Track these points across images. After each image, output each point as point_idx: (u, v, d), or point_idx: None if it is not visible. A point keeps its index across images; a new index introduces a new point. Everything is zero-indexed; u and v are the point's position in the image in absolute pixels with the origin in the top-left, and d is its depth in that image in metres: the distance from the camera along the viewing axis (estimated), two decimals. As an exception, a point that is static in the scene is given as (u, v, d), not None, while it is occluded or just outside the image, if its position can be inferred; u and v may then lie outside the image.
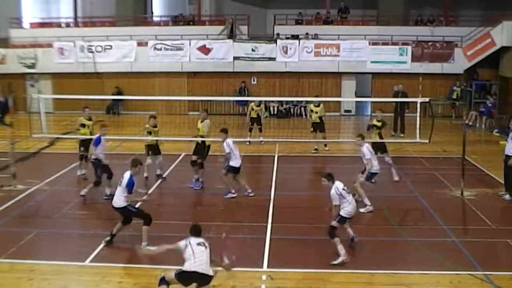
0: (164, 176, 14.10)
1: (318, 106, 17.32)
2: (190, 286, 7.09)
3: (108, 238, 9.50)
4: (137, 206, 9.73)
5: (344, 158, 16.79)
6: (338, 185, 9.01)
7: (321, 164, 15.29)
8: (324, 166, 15.22)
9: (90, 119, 13.84)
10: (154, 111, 24.56)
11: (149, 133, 13.83)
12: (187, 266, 6.97)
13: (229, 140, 12.26)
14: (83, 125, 13.68)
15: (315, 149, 17.24)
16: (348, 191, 9.14)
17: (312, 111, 17.54)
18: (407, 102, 19.48)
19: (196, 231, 7.36)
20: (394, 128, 19.90)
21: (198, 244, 7.15)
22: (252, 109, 18.02)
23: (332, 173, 9.21)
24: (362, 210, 11.09)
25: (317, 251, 9.30)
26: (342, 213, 8.96)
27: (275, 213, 11.28)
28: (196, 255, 6.99)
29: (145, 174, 13.51)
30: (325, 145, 17.49)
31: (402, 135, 19.54)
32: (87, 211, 11.36)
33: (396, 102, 19.69)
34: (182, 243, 7.18)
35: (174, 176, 14.50)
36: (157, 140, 14.01)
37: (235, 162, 12.24)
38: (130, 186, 9.14)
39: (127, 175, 9.26)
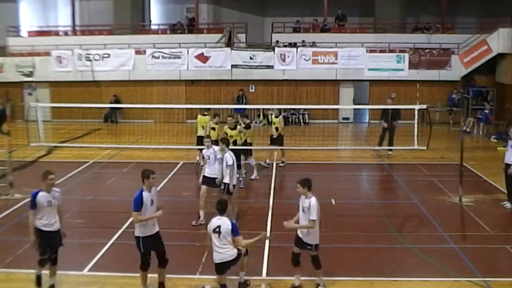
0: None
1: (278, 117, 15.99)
2: None
3: None
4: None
5: (342, 166, 16.83)
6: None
7: (319, 172, 15.24)
8: (322, 174, 15.21)
9: None
10: (152, 119, 24.87)
11: (213, 129, 14.49)
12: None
13: None
14: None
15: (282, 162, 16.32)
16: None
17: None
18: (396, 116, 17.84)
19: None
20: (380, 143, 17.96)
21: None
22: (226, 133, 13.63)
23: (310, 180, 8.03)
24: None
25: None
26: (318, 238, 7.90)
27: (274, 221, 11.24)
28: None
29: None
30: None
31: (390, 153, 17.71)
32: (85, 220, 11.30)
33: (386, 117, 17.78)
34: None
35: (172, 184, 14.47)
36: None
37: None
38: (136, 202, 7.65)
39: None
